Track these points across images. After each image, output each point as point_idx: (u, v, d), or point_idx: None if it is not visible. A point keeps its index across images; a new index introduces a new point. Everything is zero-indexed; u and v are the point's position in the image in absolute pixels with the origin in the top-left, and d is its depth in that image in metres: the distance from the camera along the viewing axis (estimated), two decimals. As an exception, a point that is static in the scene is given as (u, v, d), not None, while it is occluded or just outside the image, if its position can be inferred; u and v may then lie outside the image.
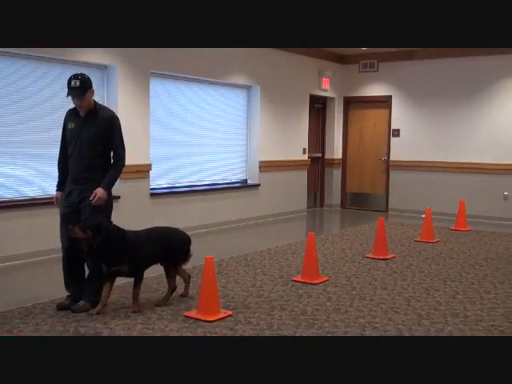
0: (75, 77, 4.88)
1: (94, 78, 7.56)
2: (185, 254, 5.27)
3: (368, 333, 4.59)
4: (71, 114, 5.05)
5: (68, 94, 4.94)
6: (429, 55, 11.34)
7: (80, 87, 4.83)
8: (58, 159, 5.17)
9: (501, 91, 10.86)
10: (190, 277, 5.46)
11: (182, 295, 5.38)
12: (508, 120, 10.78)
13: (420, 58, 11.47)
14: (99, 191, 4.87)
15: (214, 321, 4.72)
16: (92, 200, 4.84)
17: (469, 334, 4.64)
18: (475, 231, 9.62)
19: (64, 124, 5.09)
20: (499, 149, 10.83)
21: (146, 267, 5.08)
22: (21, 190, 6.99)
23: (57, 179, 5.21)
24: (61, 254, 5.05)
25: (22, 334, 4.37)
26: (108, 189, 4.97)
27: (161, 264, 5.24)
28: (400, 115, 11.88)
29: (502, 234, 9.42)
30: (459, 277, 6.53)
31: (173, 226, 5.50)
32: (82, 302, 4.87)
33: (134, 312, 4.86)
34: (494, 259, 7.52)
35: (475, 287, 6.10)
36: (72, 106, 5.06)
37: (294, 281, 6.10)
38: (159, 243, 5.11)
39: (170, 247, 5.15)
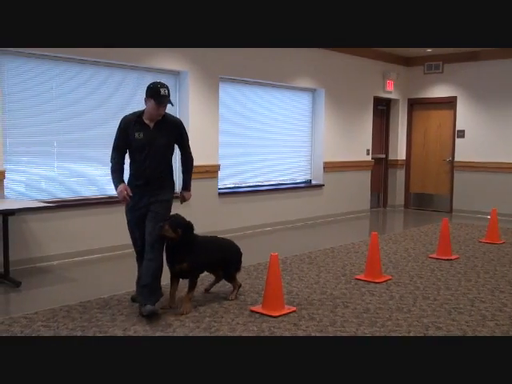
0: (162, 85, 4.83)
1: (169, 83, 7.76)
2: (238, 266, 5.34)
3: (431, 333, 4.51)
4: (135, 123, 4.90)
5: (160, 102, 4.79)
6: (493, 56, 11.08)
7: (168, 95, 4.83)
8: (113, 166, 4.99)
9: None
10: (240, 285, 5.41)
11: (228, 298, 5.26)
12: None
13: (484, 59, 11.22)
14: (189, 195, 5.22)
15: (279, 316, 4.75)
16: (181, 202, 5.21)
17: (534, 335, 4.51)
18: (541, 232, 9.34)
19: (125, 132, 4.92)
20: None
21: (202, 271, 5.15)
22: (98, 189, 7.21)
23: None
24: (127, 251, 5.17)
25: (99, 323, 4.51)
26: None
27: (213, 273, 5.42)
28: (465, 116, 11.64)
29: None
30: (525, 278, 6.37)
31: (228, 238, 5.61)
32: (149, 307, 4.69)
33: (182, 314, 4.76)
34: (561, 261, 7.29)
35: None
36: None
37: (357, 279, 6.08)
38: (218, 252, 5.17)
39: (227, 258, 5.22)
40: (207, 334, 4.35)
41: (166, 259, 4.87)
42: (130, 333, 4.36)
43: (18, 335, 4.25)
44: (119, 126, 4.96)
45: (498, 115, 11.18)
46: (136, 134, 4.86)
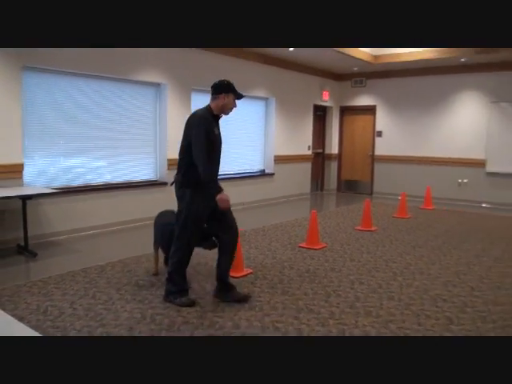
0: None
1: (151, 94, 7.72)
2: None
3: (356, 286, 4.67)
4: (211, 121, 4.04)
5: (240, 97, 4.18)
6: (403, 74, 11.30)
7: None
8: (211, 172, 3.97)
9: (456, 102, 10.80)
10: None
11: None
12: (460, 124, 10.74)
13: (396, 76, 11.44)
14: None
15: (240, 277, 4.83)
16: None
17: (431, 287, 4.71)
18: (437, 209, 9.63)
19: (208, 132, 3.92)
20: (454, 146, 10.81)
21: None
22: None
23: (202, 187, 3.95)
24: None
25: (98, 285, 4.54)
26: None
27: None
28: (382, 120, 11.85)
29: (457, 212, 9.42)
30: (425, 244, 6.58)
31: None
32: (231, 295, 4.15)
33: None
34: (450, 230, 7.55)
35: (436, 252, 6.15)
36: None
37: (300, 247, 6.18)
38: None
39: None
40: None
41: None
42: (122, 292, 4.41)
43: (35, 296, 4.26)
44: (203, 128, 3.91)
45: (407, 120, 11.43)
46: (215, 131, 4.06)
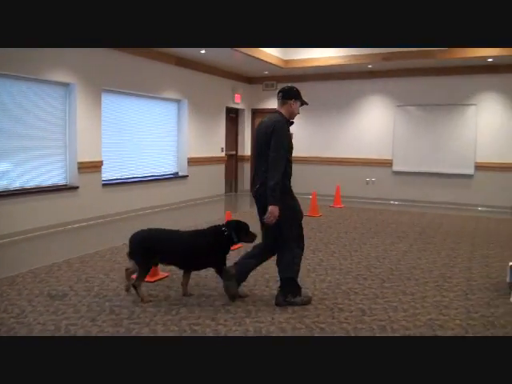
0: None
1: (59, 94, 7.38)
2: None
3: (271, 284, 4.71)
4: (287, 125, 4.12)
5: (305, 104, 4.23)
6: (313, 78, 11.64)
7: None
8: (279, 178, 3.98)
9: (364, 106, 11.34)
10: None
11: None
12: (368, 127, 11.30)
13: (307, 81, 11.74)
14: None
15: (155, 281, 4.74)
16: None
17: (343, 281, 4.87)
18: (347, 207, 10.00)
19: (289, 137, 4.08)
20: (363, 147, 11.32)
21: None
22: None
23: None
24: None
25: (9, 297, 4.26)
26: None
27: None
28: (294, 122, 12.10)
29: (365, 209, 9.85)
30: (336, 240, 6.80)
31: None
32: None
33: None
34: (359, 227, 7.87)
35: (347, 248, 6.38)
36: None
37: (216, 248, 6.16)
38: None
39: None
40: (96, 300, 4.23)
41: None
42: (34, 303, 4.20)
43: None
44: (286, 131, 4.02)
45: (318, 122, 11.79)
46: (291, 135, 4.12)
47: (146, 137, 9.27)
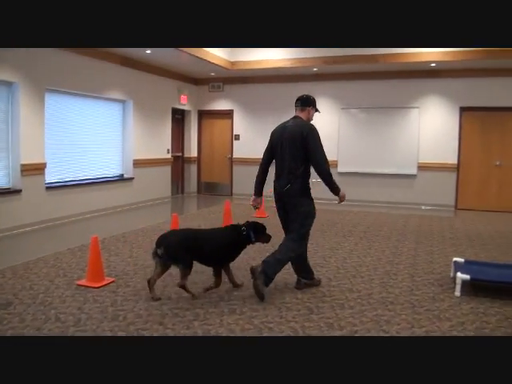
0: None
1: (1, 93, 7.08)
2: None
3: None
4: None
5: (318, 112, 4.78)
6: (260, 80, 11.73)
7: None
8: (309, 173, 4.50)
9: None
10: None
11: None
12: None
13: (252, 82, 11.83)
14: None
15: (100, 286, 4.63)
16: None
17: (291, 281, 4.88)
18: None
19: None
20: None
21: None
22: None
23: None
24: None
25: None
26: None
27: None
28: (240, 124, 12.17)
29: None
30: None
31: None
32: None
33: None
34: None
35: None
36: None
37: (163, 252, 6.08)
38: None
39: None
40: (41, 308, 4.08)
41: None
42: None
43: None
44: (319, 136, 4.46)
45: (264, 123, 11.86)
46: None
47: (90, 138, 9.04)
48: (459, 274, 4.62)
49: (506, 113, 10.23)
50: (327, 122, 11.35)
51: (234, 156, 12.27)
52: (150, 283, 4.33)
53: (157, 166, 10.96)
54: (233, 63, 10.74)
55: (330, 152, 11.25)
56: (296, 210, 4.44)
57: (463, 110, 10.52)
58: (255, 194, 4.84)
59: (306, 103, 4.61)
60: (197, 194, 12.66)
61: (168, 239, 4.26)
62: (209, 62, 9.81)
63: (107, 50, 8.88)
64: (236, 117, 12.19)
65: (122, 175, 10.03)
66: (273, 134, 4.71)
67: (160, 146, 11.12)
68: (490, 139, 10.41)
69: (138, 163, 10.18)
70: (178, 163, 12.35)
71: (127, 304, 4.20)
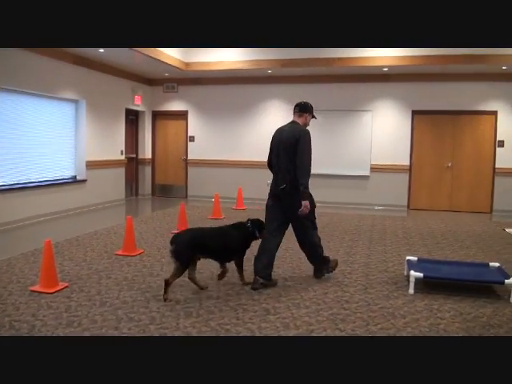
0: None
1: None
2: None
3: (176, 289, 4.66)
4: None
5: (315, 118, 5.15)
6: (214, 82, 11.74)
7: None
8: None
9: (265, 109, 11.60)
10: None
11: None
12: (269, 130, 11.45)
13: (208, 84, 11.83)
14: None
15: (54, 292, 4.54)
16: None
17: (248, 281, 4.96)
18: (249, 209, 10.16)
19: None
20: (262, 150, 11.45)
21: None
22: None
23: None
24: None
25: None
26: None
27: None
28: (194, 125, 12.13)
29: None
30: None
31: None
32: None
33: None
34: (263, 229, 8.03)
35: (250, 249, 6.42)
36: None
37: (117, 255, 6.02)
38: None
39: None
40: (-10, 313, 3.98)
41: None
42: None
43: None
44: (310, 141, 4.79)
45: (219, 125, 11.88)
46: None
47: (42, 139, 8.79)
48: (412, 272, 4.78)
49: (456, 116, 10.64)
50: (282, 124, 11.42)
51: (188, 157, 12.22)
52: (191, 279, 4.63)
53: (110, 168, 10.79)
54: (187, 64, 10.70)
55: (286, 153, 11.36)
56: (295, 212, 4.71)
57: (415, 114, 10.86)
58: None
59: (304, 109, 4.96)
60: (151, 197, 12.54)
61: (178, 238, 4.46)
62: (163, 62, 9.75)
63: (60, 49, 8.69)
64: (191, 118, 12.15)
65: (75, 177, 9.82)
66: (273, 138, 5.01)
67: (113, 148, 10.95)
68: (442, 142, 10.79)
69: (91, 165, 10.00)
70: (132, 165, 12.20)
71: (82, 309, 4.14)
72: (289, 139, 4.72)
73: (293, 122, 4.95)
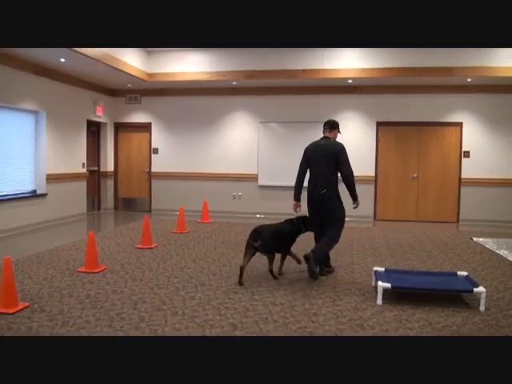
0: None
1: None
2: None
3: (139, 306, 4.64)
4: None
5: (340, 133, 6.15)
6: (178, 93, 11.74)
7: None
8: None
9: (230, 121, 11.67)
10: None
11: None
12: (234, 142, 11.63)
13: (172, 95, 11.82)
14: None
15: (14, 313, 4.42)
16: None
17: (213, 297, 4.93)
18: (215, 222, 10.16)
19: None
20: (227, 162, 11.63)
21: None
22: None
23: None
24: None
25: None
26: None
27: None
28: (158, 137, 12.07)
29: (233, 224, 10.08)
30: (205, 256, 6.89)
31: None
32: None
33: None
34: (228, 241, 8.05)
35: (216, 263, 6.49)
36: None
37: (79, 272, 5.91)
38: None
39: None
40: None
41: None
42: None
43: None
44: (347, 153, 5.69)
45: (183, 137, 11.87)
46: None
47: (0, 151, 8.63)
48: (380, 283, 4.85)
49: (422, 128, 10.93)
50: (246, 135, 11.55)
51: (152, 170, 12.14)
52: (243, 269, 5.48)
53: (71, 182, 10.62)
54: (150, 75, 10.68)
55: (250, 166, 11.45)
56: (331, 215, 5.69)
57: (380, 125, 11.09)
58: (296, 200, 6.04)
59: (333, 126, 5.92)
60: (114, 211, 12.39)
61: (262, 234, 5.45)
62: (125, 72, 9.70)
63: (18, 57, 8.54)
64: (154, 130, 12.09)
65: (35, 191, 9.63)
66: (307, 151, 5.95)
67: (75, 160, 10.79)
68: (407, 153, 11.06)
69: (51, 178, 9.82)
70: (94, 178, 12.04)
71: (43, 330, 4.04)
72: (329, 152, 5.65)
73: (326, 138, 5.88)
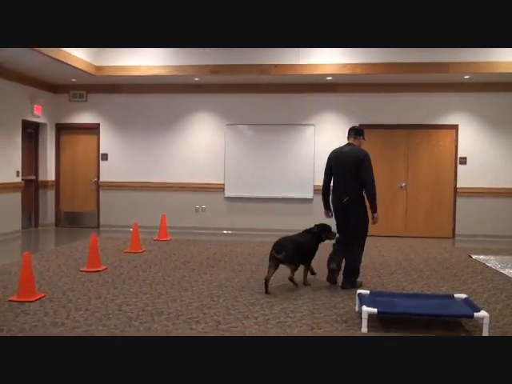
0: None
1: None
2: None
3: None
4: None
5: (364, 139, 6.76)
6: (132, 90, 11.65)
7: None
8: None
9: (192, 123, 11.69)
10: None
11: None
12: (197, 147, 11.61)
13: (124, 92, 11.71)
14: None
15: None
16: None
17: (173, 328, 4.85)
18: (174, 240, 10.06)
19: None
20: (189, 170, 11.55)
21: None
22: None
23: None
24: None
25: None
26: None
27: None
28: (108, 141, 11.94)
29: (195, 241, 10.02)
30: (163, 280, 6.81)
31: None
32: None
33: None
34: (189, 262, 7.99)
35: (176, 287, 6.41)
36: None
37: (11, 301, 5.69)
38: None
39: None
40: None
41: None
42: None
43: None
44: (370, 160, 6.31)
45: (138, 141, 11.81)
46: None
47: None
48: (365, 308, 4.83)
49: (411, 131, 11.06)
50: (211, 140, 11.51)
51: (100, 179, 11.98)
52: (267, 282, 6.16)
53: (3, 193, 10.36)
54: (98, 68, 10.54)
55: (215, 175, 11.39)
56: (354, 222, 6.32)
57: (364, 128, 11.12)
58: (326, 208, 6.64)
59: (358, 133, 6.55)
60: (55, 227, 12.15)
61: (286, 246, 6.14)
62: (68, 64, 9.54)
63: None
64: (103, 132, 11.94)
65: (-42, 205, 9.38)
66: (331, 158, 6.52)
67: (7, 168, 10.54)
68: (394, 159, 11.20)
69: (-22, 189, 9.58)
70: (31, 189, 11.80)
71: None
72: (353, 159, 6.23)
73: (350, 144, 6.46)
